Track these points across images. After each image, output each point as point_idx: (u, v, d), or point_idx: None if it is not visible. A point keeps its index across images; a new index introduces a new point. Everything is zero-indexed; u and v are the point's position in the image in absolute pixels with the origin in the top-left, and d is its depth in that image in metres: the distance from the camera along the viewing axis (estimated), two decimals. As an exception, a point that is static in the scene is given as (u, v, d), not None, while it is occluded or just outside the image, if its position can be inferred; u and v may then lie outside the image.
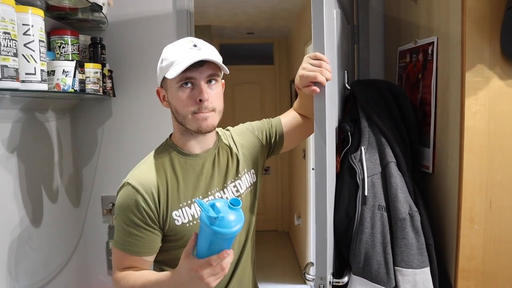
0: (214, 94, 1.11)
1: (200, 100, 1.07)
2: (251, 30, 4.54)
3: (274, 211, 5.24)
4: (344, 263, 1.33)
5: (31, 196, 1.60)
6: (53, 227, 1.77)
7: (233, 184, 1.21)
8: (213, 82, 1.11)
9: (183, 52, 1.07)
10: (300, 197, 4.05)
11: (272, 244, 4.71)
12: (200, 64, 1.06)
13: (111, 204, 2.02)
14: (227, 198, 1.18)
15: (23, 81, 1.24)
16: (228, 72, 1.13)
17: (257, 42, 5.11)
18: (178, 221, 1.11)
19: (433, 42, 1.34)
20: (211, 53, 1.10)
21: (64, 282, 1.86)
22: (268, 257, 4.24)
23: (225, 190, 1.19)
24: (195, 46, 1.09)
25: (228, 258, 0.91)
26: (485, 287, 1.24)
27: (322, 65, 1.08)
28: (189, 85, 1.08)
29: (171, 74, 1.04)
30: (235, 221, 0.87)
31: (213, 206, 0.88)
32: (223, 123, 1.33)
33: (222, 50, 4.97)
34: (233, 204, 0.89)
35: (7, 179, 1.47)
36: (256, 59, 5.23)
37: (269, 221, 5.21)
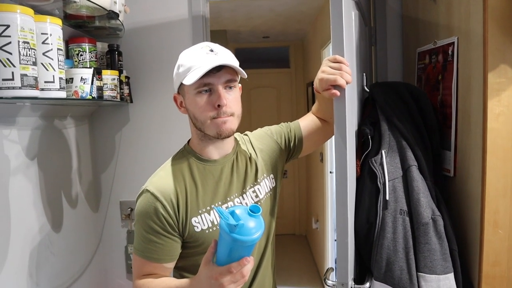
0: (232, 99, 1.11)
1: (219, 106, 1.07)
2: (266, 34, 4.54)
3: (291, 215, 5.22)
4: (365, 268, 1.31)
5: (50, 203, 1.62)
6: (72, 232, 1.80)
7: (252, 189, 1.20)
8: (232, 87, 1.11)
9: (200, 57, 1.07)
10: (317, 200, 4.02)
11: (289, 248, 4.69)
12: (218, 69, 1.06)
13: (129, 209, 2.04)
14: (246, 204, 1.17)
15: (42, 89, 1.27)
16: (246, 76, 1.12)
17: (273, 45, 5.11)
18: (197, 227, 1.11)
19: (453, 43, 1.31)
20: (228, 57, 1.10)
21: (84, 286, 1.89)
22: (286, 261, 4.22)
23: (244, 195, 1.18)
24: (211, 51, 1.09)
25: (249, 265, 0.90)
26: (511, 294, 1.21)
27: (342, 68, 1.07)
28: (207, 91, 1.08)
29: (189, 80, 1.04)
30: (255, 228, 0.87)
31: (232, 213, 0.87)
32: (240, 128, 1.32)
33: (238, 54, 4.94)
34: (253, 211, 0.88)
35: (27, 186, 1.49)
36: (272, 62, 5.23)
37: (287, 225, 5.19)
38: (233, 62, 1.09)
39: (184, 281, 1.02)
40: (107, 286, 2.12)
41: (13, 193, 1.41)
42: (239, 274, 0.90)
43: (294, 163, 5.10)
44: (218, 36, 4.19)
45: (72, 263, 1.81)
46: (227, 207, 1.13)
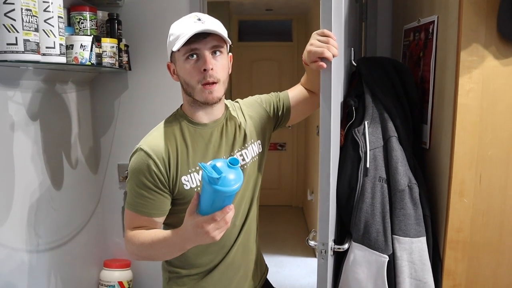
0: (219, 65, 1.16)
1: (205, 70, 1.13)
2: (270, 7, 4.53)
3: (289, 187, 5.32)
4: (345, 231, 1.39)
5: (51, 161, 1.72)
6: (73, 190, 1.91)
7: (239, 153, 1.27)
8: (218, 53, 1.16)
9: (188, 25, 1.13)
10: (313, 172, 4.11)
11: (285, 219, 4.82)
12: (204, 36, 1.12)
13: (126, 172, 2.11)
14: None
15: (43, 54, 1.35)
16: (230, 42, 1.18)
17: (276, 18, 5.09)
18: (187, 185, 1.19)
19: (433, 21, 1.37)
20: (214, 25, 1.15)
21: (83, 242, 2.01)
22: (281, 231, 4.35)
23: None
24: (199, 20, 1.14)
25: (230, 213, 0.97)
26: (472, 258, 1.30)
27: (329, 41, 1.12)
28: (194, 56, 1.14)
29: (176, 46, 1.11)
30: (235, 180, 0.93)
31: (214, 167, 0.93)
32: (240, 98, 1.38)
33: (240, 26, 4.99)
34: (232, 163, 0.93)
35: (29, 144, 1.59)
36: (275, 35, 5.22)
37: (284, 196, 5.30)
38: (220, 29, 1.14)
39: (170, 231, 1.10)
40: (105, 243, 2.25)
41: (16, 150, 1.50)
42: (223, 221, 0.97)
43: (293, 136, 5.17)
44: (221, 8, 4.18)
45: (72, 219, 1.92)
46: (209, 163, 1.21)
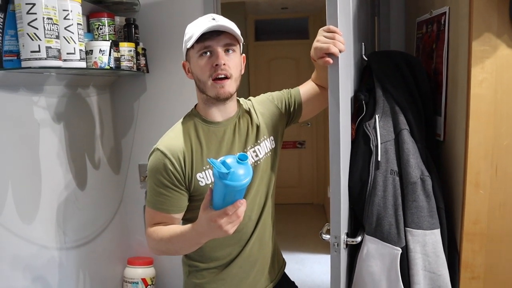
0: (231, 61, 1.19)
1: (217, 65, 1.17)
2: (285, 5, 4.54)
3: (309, 185, 5.31)
4: (358, 224, 1.40)
5: (76, 163, 1.79)
6: (96, 191, 1.98)
7: (252, 149, 1.30)
8: (231, 51, 1.20)
9: (202, 24, 1.17)
10: (333, 170, 4.09)
11: (306, 217, 4.82)
12: (218, 34, 1.16)
13: (147, 172, 2.19)
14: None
15: (64, 60, 1.41)
16: (243, 41, 1.21)
17: (292, 16, 5.09)
18: (202, 182, 1.23)
19: (445, 12, 1.36)
20: (227, 24, 1.18)
21: (107, 240, 2.08)
22: (303, 229, 4.35)
23: None
24: (213, 19, 1.18)
25: (242, 207, 1.00)
26: (489, 250, 1.29)
27: (335, 37, 1.14)
28: (208, 53, 1.18)
29: (190, 43, 1.16)
30: (244, 174, 0.96)
31: (224, 163, 0.96)
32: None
33: (257, 26, 5.01)
34: (241, 159, 0.97)
35: (54, 148, 1.66)
36: (291, 33, 5.22)
37: (305, 194, 5.29)
38: (233, 28, 1.18)
39: (187, 226, 1.14)
40: (128, 241, 2.31)
41: (43, 152, 1.57)
42: (235, 215, 1.00)
43: (313, 134, 5.16)
44: (237, 8, 4.21)
45: (96, 218, 1.99)
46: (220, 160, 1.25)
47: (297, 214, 4.86)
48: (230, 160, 0.96)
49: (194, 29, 1.18)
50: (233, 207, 0.99)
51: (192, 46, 1.18)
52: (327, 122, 5.00)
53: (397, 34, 1.90)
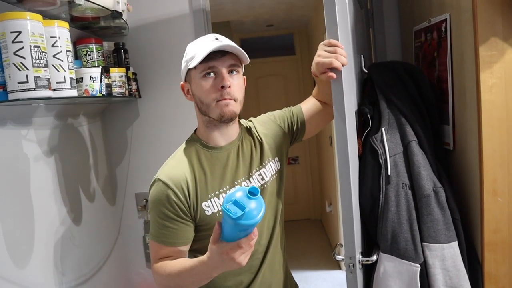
0: (236, 84, 1.16)
1: (222, 87, 1.12)
2: (270, 23, 4.56)
3: (305, 200, 5.26)
4: (372, 242, 1.36)
5: (70, 197, 1.71)
6: (92, 224, 1.89)
7: (258, 172, 1.25)
8: (235, 73, 1.16)
9: (205, 44, 1.13)
10: (329, 184, 4.06)
11: (305, 233, 4.75)
12: (222, 54, 1.12)
13: (144, 200, 2.12)
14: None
15: (54, 90, 1.34)
16: (249, 61, 1.17)
17: (277, 34, 5.12)
18: (208, 211, 1.17)
19: (445, 19, 1.34)
20: (232, 44, 1.15)
21: (106, 276, 1.98)
22: (302, 245, 4.29)
23: (250, 179, 1.24)
24: (216, 39, 1.15)
25: (255, 238, 0.97)
26: (513, 259, 1.24)
27: (337, 51, 1.11)
28: (212, 74, 1.14)
29: (193, 63, 1.11)
30: (257, 209, 0.92)
31: (235, 203, 0.91)
32: (248, 117, 1.37)
33: (243, 45, 5.01)
34: (252, 193, 0.93)
35: (47, 183, 1.58)
36: (277, 50, 5.24)
37: (301, 210, 5.24)
38: (237, 49, 1.14)
39: (197, 259, 1.08)
40: (128, 275, 2.21)
41: (34, 189, 1.49)
42: (247, 245, 0.96)
43: (305, 149, 5.14)
44: (222, 28, 4.22)
45: (94, 254, 1.90)
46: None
47: (296, 231, 4.80)
48: (239, 195, 0.92)
49: (197, 49, 1.13)
50: (247, 239, 0.95)
51: (195, 67, 1.13)
52: (319, 137, 5.00)
53: (394, 44, 1.89)
